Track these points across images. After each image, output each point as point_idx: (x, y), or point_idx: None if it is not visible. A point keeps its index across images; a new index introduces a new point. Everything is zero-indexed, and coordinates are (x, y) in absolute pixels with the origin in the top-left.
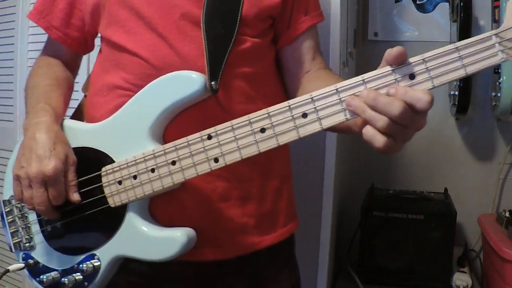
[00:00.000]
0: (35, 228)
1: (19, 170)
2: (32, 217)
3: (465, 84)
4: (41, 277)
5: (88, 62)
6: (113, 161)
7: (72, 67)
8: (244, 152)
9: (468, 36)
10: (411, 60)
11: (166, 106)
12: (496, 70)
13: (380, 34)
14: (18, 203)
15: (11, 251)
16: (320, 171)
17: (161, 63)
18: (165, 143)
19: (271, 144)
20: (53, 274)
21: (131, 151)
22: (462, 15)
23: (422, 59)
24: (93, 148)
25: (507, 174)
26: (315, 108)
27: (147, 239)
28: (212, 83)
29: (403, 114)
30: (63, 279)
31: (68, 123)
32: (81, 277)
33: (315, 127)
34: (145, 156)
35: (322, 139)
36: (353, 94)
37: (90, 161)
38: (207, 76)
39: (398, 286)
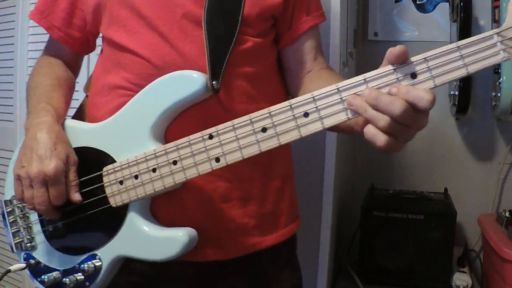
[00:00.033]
0: (37, 228)
1: (20, 170)
2: (34, 217)
3: (465, 84)
4: (43, 277)
5: (88, 62)
6: (114, 161)
7: (74, 67)
8: (246, 152)
9: (468, 36)
10: (413, 59)
11: (167, 105)
12: (496, 70)
13: (380, 34)
14: (19, 203)
15: (13, 251)
16: (320, 171)
17: (162, 62)
18: (167, 142)
19: (272, 143)
20: (54, 274)
21: (132, 151)
22: (462, 15)
23: (424, 58)
24: (95, 148)
25: (507, 174)
26: (316, 107)
27: (149, 239)
28: (214, 82)
29: (405, 114)
30: (64, 279)
31: (69, 123)
32: (83, 277)
33: (316, 127)
34: (147, 156)
35: (322, 139)
36: (355, 93)
37: (92, 161)
38: (208, 76)
39: (398, 286)
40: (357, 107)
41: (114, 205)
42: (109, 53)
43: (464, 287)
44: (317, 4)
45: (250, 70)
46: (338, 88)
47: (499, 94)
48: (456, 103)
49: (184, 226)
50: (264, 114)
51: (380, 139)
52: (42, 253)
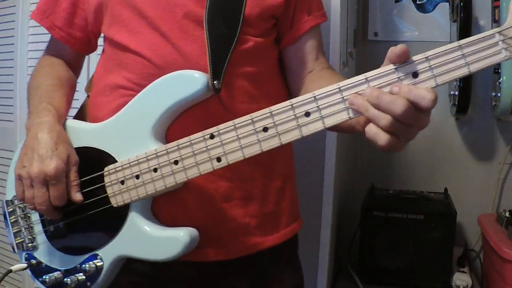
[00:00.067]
0: (38, 228)
1: (21, 170)
2: (35, 217)
3: (465, 84)
4: (44, 277)
5: (88, 63)
6: (115, 161)
7: (75, 67)
8: (247, 151)
9: (468, 36)
10: (414, 58)
11: (168, 105)
12: (496, 70)
13: (380, 34)
14: (20, 203)
15: (14, 251)
16: (320, 171)
17: (163, 62)
18: (168, 142)
19: (273, 143)
20: (55, 274)
21: (133, 151)
22: (462, 15)
23: (425, 57)
24: (96, 148)
25: (507, 174)
26: (318, 106)
27: (150, 239)
28: (215, 82)
29: (407, 113)
30: (65, 279)
31: (71, 123)
32: (84, 277)
33: (318, 126)
34: (148, 156)
35: (322, 139)
36: (356, 92)
37: (93, 161)
38: (209, 76)
39: (398, 286)
40: (358, 106)
41: (115, 205)
42: (111, 53)
43: (464, 287)
44: (319, 4)
45: (252, 70)
46: (339, 88)
47: (499, 94)
48: (456, 103)
49: (185, 226)
50: (265, 113)
51: (382, 138)
52: (44, 253)
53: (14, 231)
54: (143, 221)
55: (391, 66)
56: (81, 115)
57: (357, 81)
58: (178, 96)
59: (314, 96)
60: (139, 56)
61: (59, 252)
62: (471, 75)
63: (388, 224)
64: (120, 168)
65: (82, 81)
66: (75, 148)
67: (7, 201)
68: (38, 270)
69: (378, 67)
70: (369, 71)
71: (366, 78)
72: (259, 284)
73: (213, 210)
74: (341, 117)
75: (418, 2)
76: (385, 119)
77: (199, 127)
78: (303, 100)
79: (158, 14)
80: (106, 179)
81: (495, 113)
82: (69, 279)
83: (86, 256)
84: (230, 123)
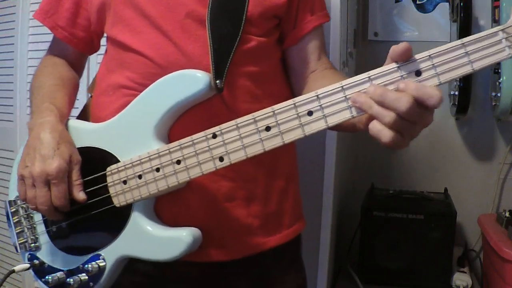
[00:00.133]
0: (41, 228)
1: (23, 170)
2: (38, 217)
3: (465, 84)
4: (47, 277)
5: (88, 63)
6: (118, 161)
7: (78, 67)
8: (249, 151)
9: (468, 36)
10: (417, 56)
11: (171, 105)
12: (496, 70)
13: (380, 34)
14: (23, 204)
15: (17, 251)
16: (320, 171)
17: (166, 62)
18: (170, 142)
19: (276, 142)
20: (58, 274)
21: (136, 151)
22: (462, 15)
23: (429, 56)
24: (98, 148)
25: (507, 174)
26: (320, 105)
27: (153, 239)
28: (217, 81)
29: (411, 110)
30: (68, 280)
31: (73, 123)
32: (87, 277)
33: (320, 125)
34: (150, 155)
35: (322, 138)
36: (359, 91)
37: (95, 161)
38: (212, 75)
39: (398, 286)
40: (361, 104)
41: (117, 205)
42: (113, 53)
43: (464, 287)
44: (321, 4)
45: (254, 70)
46: (342, 86)
47: (499, 94)
48: (456, 103)
49: (188, 226)
50: (267, 112)
51: (386, 135)
52: (46, 253)
53: (17, 231)
54: (146, 221)
55: (394, 65)
56: (84, 115)
57: (360, 79)
58: (181, 96)
59: (317, 95)
60: (142, 56)
61: (62, 252)
62: (471, 75)
63: (388, 224)
64: (123, 168)
65: (81, 81)
66: (78, 148)
67: (10, 201)
68: (41, 270)
69: (378, 67)
70: (369, 71)
71: (369, 77)
72: (262, 285)
73: (216, 210)
74: (344, 116)
75: (418, 2)
76: (389, 116)
77: (201, 126)
78: (305, 99)
79: (161, 14)
80: (109, 179)
81: (495, 113)
82: (71, 279)
83: (89, 256)
84: (232, 122)
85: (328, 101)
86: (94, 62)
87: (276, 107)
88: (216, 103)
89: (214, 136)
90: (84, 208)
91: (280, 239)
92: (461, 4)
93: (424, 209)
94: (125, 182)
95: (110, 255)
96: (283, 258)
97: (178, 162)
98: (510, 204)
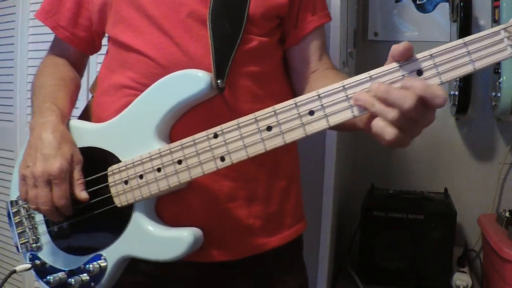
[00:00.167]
0: (42, 228)
1: (25, 170)
2: (39, 217)
3: (465, 84)
4: (48, 277)
5: (88, 63)
6: (119, 161)
7: (79, 66)
8: (251, 151)
9: (468, 36)
10: (419, 56)
11: (172, 105)
12: (496, 70)
13: (380, 34)
14: (25, 204)
15: (18, 251)
16: (320, 171)
17: (167, 62)
18: (172, 142)
19: (277, 142)
20: (60, 274)
21: (137, 151)
22: (462, 15)
23: (430, 55)
24: (100, 148)
25: (507, 174)
26: (322, 105)
27: (154, 239)
28: (218, 81)
29: (415, 108)
30: (69, 280)
31: (75, 123)
32: (88, 277)
33: (322, 125)
34: (151, 155)
35: (322, 138)
36: (361, 90)
37: (97, 161)
38: (213, 75)
39: (398, 286)
40: (364, 102)
41: (119, 205)
42: (115, 52)
43: (464, 287)
44: (323, 4)
45: (256, 69)
46: (343, 86)
47: (499, 94)
48: (456, 103)
49: (189, 226)
50: (269, 112)
51: (389, 132)
52: (48, 253)
53: (19, 231)
54: (147, 221)
55: (395, 64)
56: (85, 115)
57: (362, 79)
58: (182, 96)
59: (318, 95)
60: (143, 56)
61: (63, 252)
62: (471, 75)
63: (388, 224)
64: (124, 168)
65: (82, 81)
66: (79, 148)
67: (11, 202)
68: (42, 270)
69: (378, 68)
70: (369, 71)
71: (370, 76)
72: (263, 285)
73: (217, 210)
74: (345, 116)
75: (418, 2)
76: (393, 112)
77: (203, 126)
78: (307, 99)
79: (162, 14)
80: (110, 179)
81: (495, 113)
82: (73, 280)
83: (90, 256)
84: (233, 122)
85: (329, 100)
86: (94, 62)
87: (277, 106)
88: (217, 103)
89: (216, 136)
90: (86, 208)
91: (282, 240)
92: (461, 4)
93: (424, 209)
94: (126, 182)
95: (111, 255)
96: (284, 258)
97: (180, 162)
98: (510, 204)
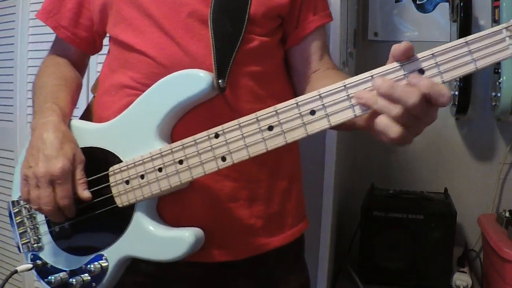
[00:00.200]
0: (43, 228)
1: (27, 170)
2: (40, 217)
3: (465, 84)
4: (49, 277)
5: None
6: (120, 161)
7: (80, 66)
8: (252, 150)
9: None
10: (420, 55)
11: (173, 104)
12: (496, 70)
13: (380, 34)
14: (26, 204)
15: (20, 251)
16: (320, 171)
17: (168, 61)
18: (173, 142)
19: (278, 141)
20: (61, 274)
21: (138, 151)
22: (462, 15)
23: (432, 54)
24: (101, 148)
25: (507, 174)
26: (323, 105)
27: (155, 239)
28: (220, 81)
29: (420, 105)
30: (71, 280)
31: (76, 123)
32: (89, 277)
33: (323, 124)
34: (152, 155)
35: (322, 138)
36: (364, 89)
37: (98, 161)
38: (214, 75)
39: (398, 286)
40: (367, 100)
41: (120, 205)
42: (116, 52)
43: (464, 287)
44: (324, 4)
45: (257, 69)
46: (345, 85)
47: (499, 94)
48: (456, 103)
49: (190, 226)
50: (270, 112)
51: (393, 129)
52: (49, 253)
53: (20, 231)
54: (148, 221)
55: (397, 63)
56: (87, 115)
57: (363, 78)
58: (183, 95)
59: (319, 94)
60: (144, 56)
61: (65, 252)
62: (471, 75)
63: (388, 224)
64: (125, 167)
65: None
66: (80, 148)
67: (13, 202)
68: (43, 270)
69: (378, 67)
70: (369, 71)
71: (371, 76)
72: (265, 285)
73: (218, 210)
74: (347, 115)
75: (418, 2)
76: (397, 108)
77: (204, 126)
78: (308, 98)
79: (163, 14)
80: (111, 179)
81: (495, 113)
82: (74, 280)
83: (91, 256)
84: (234, 121)
85: (330, 100)
86: (94, 62)
87: (278, 106)
88: (218, 103)
89: (217, 135)
90: (87, 208)
91: (283, 240)
92: (461, 4)
93: (424, 209)
94: (127, 182)
95: (112, 256)
96: (286, 258)
97: (181, 162)
98: (510, 204)
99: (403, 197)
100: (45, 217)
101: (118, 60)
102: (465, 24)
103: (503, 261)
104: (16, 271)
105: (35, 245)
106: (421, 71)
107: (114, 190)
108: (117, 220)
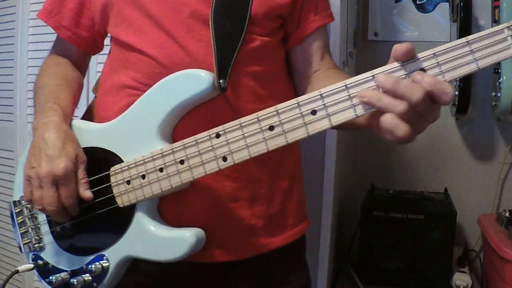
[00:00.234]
0: (45, 228)
1: (30, 171)
2: (42, 217)
3: (465, 84)
4: (51, 277)
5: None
6: (122, 161)
7: (81, 66)
8: (253, 150)
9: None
10: (422, 54)
11: (174, 104)
12: (496, 70)
13: (380, 34)
14: (28, 204)
15: (21, 251)
16: (320, 171)
17: (169, 61)
18: (174, 142)
19: (279, 141)
20: (62, 275)
21: (140, 151)
22: (462, 15)
23: (433, 54)
24: (102, 148)
25: (507, 174)
26: (324, 104)
27: (156, 240)
28: (221, 81)
29: (424, 101)
30: (72, 280)
31: (77, 123)
32: (90, 278)
33: (324, 124)
34: (153, 155)
35: (322, 138)
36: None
37: (99, 161)
38: (215, 75)
39: (398, 286)
40: (370, 98)
41: (121, 205)
42: (117, 53)
43: (464, 287)
44: (325, 4)
45: (258, 69)
46: (346, 85)
47: (499, 94)
48: (456, 103)
49: (191, 226)
50: (271, 112)
51: (402, 128)
52: (50, 253)
53: (21, 231)
54: (149, 221)
55: (398, 63)
56: (88, 116)
57: (364, 78)
58: (184, 95)
59: (321, 94)
60: (145, 56)
61: (66, 252)
62: (471, 75)
63: (388, 224)
64: (126, 168)
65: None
66: (82, 148)
67: (14, 202)
68: (45, 270)
69: (378, 67)
70: (369, 71)
71: (373, 75)
72: (266, 285)
73: (219, 210)
74: (348, 115)
75: (418, 2)
76: (402, 105)
77: (205, 126)
78: (309, 98)
79: (164, 13)
80: (112, 179)
81: (495, 113)
82: (75, 280)
83: (93, 256)
84: (235, 121)
85: (331, 100)
86: (94, 62)
87: (279, 106)
88: (219, 103)
89: (218, 135)
90: (88, 208)
91: (285, 240)
92: (461, 4)
93: (424, 209)
94: (128, 182)
95: (113, 256)
96: (287, 258)
97: (182, 162)
98: (510, 204)
99: (403, 197)
100: (47, 217)
101: (119, 60)
102: (465, 24)
103: (503, 261)
104: (17, 271)
105: (37, 245)
106: (423, 71)
107: (115, 190)
108: (118, 220)
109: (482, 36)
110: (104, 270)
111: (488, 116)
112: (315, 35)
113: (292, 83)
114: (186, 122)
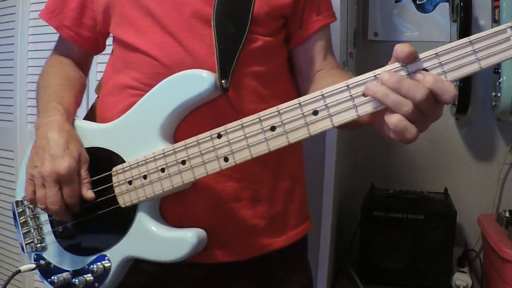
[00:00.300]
0: (47, 228)
1: (33, 170)
2: (44, 217)
3: (465, 84)
4: (53, 277)
5: None
6: (124, 161)
7: (84, 66)
8: (254, 151)
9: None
10: (424, 54)
11: (176, 105)
12: (496, 70)
13: (380, 34)
14: (30, 204)
15: (23, 251)
16: (320, 171)
17: (171, 62)
18: (176, 142)
19: (281, 142)
20: (64, 275)
21: (142, 151)
22: (462, 15)
23: (435, 54)
24: (104, 148)
25: (507, 174)
26: (326, 105)
27: (158, 240)
28: (223, 81)
29: (427, 100)
30: (74, 280)
31: (79, 123)
32: (92, 278)
33: (326, 125)
34: (155, 156)
35: (322, 138)
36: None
37: (101, 161)
38: (217, 75)
39: (398, 286)
40: (375, 92)
41: (123, 205)
42: (119, 53)
43: (464, 287)
44: (328, 4)
45: (260, 69)
46: (347, 85)
47: (499, 94)
48: (456, 103)
49: (193, 226)
50: (273, 112)
51: (411, 131)
52: (52, 253)
53: (24, 231)
54: (151, 221)
55: (400, 63)
56: (90, 116)
57: (366, 78)
58: (186, 96)
59: (322, 94)
60: (147, 56)
61: (68, 252)
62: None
63: (388, 224)
64: (128, 168)
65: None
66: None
67: (16, 202)
68: (46, 270)
69: (378, 67)
70: (369, 71)
71: (375, 75)
72: (268, 285)
73: (221, 210)
74: (350, 115)
75: (418, 2)
76: (408, 105)
77: (207, 126)
78: (311, 98)
79: (166, 13)
80: (114, 179)
81: (495, 113)
82: (77, 280)
83: (94, 256)
84: (237, 122)
85: (333, 100)
86: (95, 61)
87: (281, 106)
88: (222, 103)
89: (219, 136)
90: (90, 208)
91: (287, 240)
92: (461, 4)
93: (424, 209)
94: (130, 182)
95: (115, 256)
96: (289, 259)
97: (183, 162)
98: (510, 204)
99: (403, 197)
100: (49, 216)
101: (121, 60)
102: (465, 24)
103: (503, 261)
104: (19, 271)
105: (39, 245)
106: (425, 71)
107: (117, 190)
108: (120, 221)
109: (485, 36)
110: (106, 270)
111: (488, 116)
112: (318, 35)
113: (294, 83)
114: (188, 123)
